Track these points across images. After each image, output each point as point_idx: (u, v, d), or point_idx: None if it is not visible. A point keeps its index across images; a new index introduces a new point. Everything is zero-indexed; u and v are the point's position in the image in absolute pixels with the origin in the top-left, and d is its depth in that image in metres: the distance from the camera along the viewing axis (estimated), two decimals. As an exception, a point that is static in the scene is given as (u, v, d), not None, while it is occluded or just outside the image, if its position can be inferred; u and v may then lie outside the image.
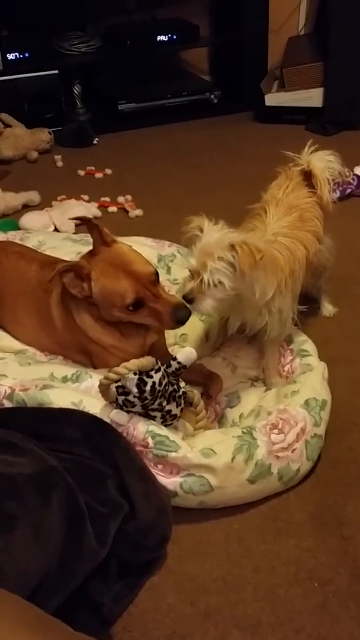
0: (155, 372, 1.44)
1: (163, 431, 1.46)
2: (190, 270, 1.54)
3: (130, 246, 1.61)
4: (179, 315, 1.50)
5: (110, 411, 1.47)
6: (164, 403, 1.48)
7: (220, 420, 1.70)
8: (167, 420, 1.51)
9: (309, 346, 1.79)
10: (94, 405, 1.49)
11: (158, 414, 1.49)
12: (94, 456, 1.39)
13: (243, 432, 1.48)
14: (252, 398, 1.74)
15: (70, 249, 2.27)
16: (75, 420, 1.45)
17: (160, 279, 1.58)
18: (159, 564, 1.37)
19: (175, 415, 1.53)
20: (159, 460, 1.44)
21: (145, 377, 1.42)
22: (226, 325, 1.77)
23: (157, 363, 1.46)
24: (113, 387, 1.45)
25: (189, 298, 1.52)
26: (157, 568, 1.36)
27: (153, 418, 1.49)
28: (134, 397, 1.43)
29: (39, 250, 2.14)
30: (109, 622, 1.26)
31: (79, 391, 1.56)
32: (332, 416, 1.65)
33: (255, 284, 1.54)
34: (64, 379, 1.62)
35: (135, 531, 1.31)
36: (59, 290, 1.70)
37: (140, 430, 1.45)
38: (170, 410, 1.51)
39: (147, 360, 1.43)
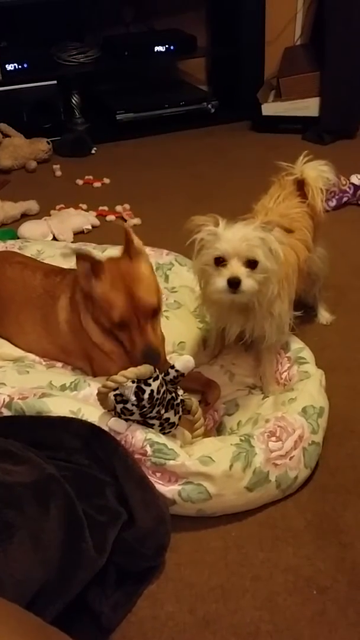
0: (154, 380, 1.45)
1: (161, 439, 1.46)
2: (218, 259, 1.51)
3: (152, 267, 1.63)
4: (147, 357, 1.49)
5: (108, 419, 1.48)
6: (162, 411, 1.49)
7: (218, 428, 1.71)
8: (165, 428, 1.52)
9: (307, 354, 1.79)
10: (93, 414, 1.50)
11: (156, 422, 1.49)
12: (93, 464, 1.39)
13: (241, 440, 1.49)
14: (250, 406, 1.74)
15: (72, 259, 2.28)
16: (73, 428, 1.45)
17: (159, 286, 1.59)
18: (158, 572, 1.37)
19: (174, 423, 1.53)
20: (157, 468, 1.44)
21: (143, 385, 1.43)
22: (223, 334, 1.77)
23: (155, 371, 1.46)
24: (111, 395, 1.45)
25: (237, 280, 1.49)
26: (156, 576, 1.36)
27: (151, 426, 1.49)
28: (132, 405, 1.43)
29: (38, 259, 2.16)
30: (107, 630, 1.26)
31: (77, 399, 1.57)
32: (330, 423, 1.65)
33: (278, 271, 1.56)
34: (63, 387, 1.63)
35: (134, 539, 1.31)
36: (68, 295, 1.74)
37: (139, 438, 1.45)
38: (168, 418, 1.51)
39: (145, 368, 1.44)
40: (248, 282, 1.50)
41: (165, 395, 1.48)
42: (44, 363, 1.84)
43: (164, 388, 1.48)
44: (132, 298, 1.52)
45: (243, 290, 1.50)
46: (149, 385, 1.43)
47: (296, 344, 1.83)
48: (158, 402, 1.46)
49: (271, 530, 1.46)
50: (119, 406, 1.45)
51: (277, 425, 1.53)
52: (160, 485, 1.43)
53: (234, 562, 1.40)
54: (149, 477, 1.43)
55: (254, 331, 1.68)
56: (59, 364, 1.83)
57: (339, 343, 2.05)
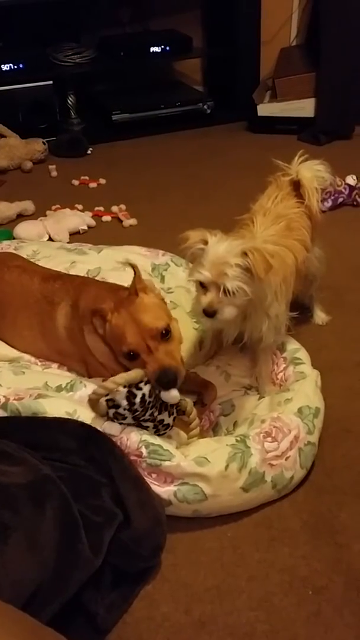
0: (145, 384, 1.44)
1: (156, 440, 1.46)
2: (201, 284, 1.52)
3: (161, 298, 1.62)
4: (163, 378, 1.45)
5: (102, 422, 1.48)
6: (156, 413, 1.49)
7: (214, 429, 1.71)
8: (160, 430, 1.52)
9: (302, 354, 1.80)
10: (89, 415, 1.49)
11: (150, 424, 1.49)
12: (88, 465, 1.39)
13: (237, 441, 1.49)
14: (246, 406, 1.74)
15: (65, 258, 2.28)
16: (69, 429, 1.45)
17: (155, 287, 1.59)
18: (154, 573, 1.37)
19: (168, 424, 1.53)
20: (152, 469, 1.44)
21: (134, 390, 1.43)
22: (219, 334, 1.77)
23: (146, 376, 1.46)
24: (103, 401, 1.45)
25: (212, 310, 1.51)
26: (152, 577, 1.36)
27: (146, 428, 1.49)
28: (124, 409, 1.43)
29: (33, 260, 2.15)
30: (103, 631, 1.25)
31: (73, 400, 1.57)
32: (326, 424, 1.65)
33: (267, 287, 1.55)
34: (59, 388, 1.63)
35: (130, 540, 1.31)
36: (69, 302, 1.75)
37: (134, 439, 1.45)
38: (162, 420, 1.51)
39: (135, 373, 1.44)
40: (225, 311, 1.51)
41: (158, 399, 1.48)
42: (39, 364, 1.84)
43: (157, 392, 1.47)
44: (138, 327, 1.50)
45: (219, 319, 1.52)
46: (140, 389, 1.43)
47: (292, 345, 1.83)
48: (151, 405, 1.46)
49: (267, 531, 1.46)
50: (111, 411, 1.45)
51: (273, 425, 1.53)
52: (156, 486, 1.43)
53: (229, 562, 1.40)
54: (145, 478, 1.43)
55: (252, 333, 1.68)
56: (55, 365, 1.83)
57: (334, 343, 2.05)
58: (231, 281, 1.48)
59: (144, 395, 1.43)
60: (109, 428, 1.47)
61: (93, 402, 1.46)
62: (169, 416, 1.52)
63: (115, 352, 1.58)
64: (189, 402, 1.58)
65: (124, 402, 1.42)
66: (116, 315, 1.55)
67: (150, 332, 1.50)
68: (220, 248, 1.51)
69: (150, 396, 1.44)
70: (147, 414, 1.46)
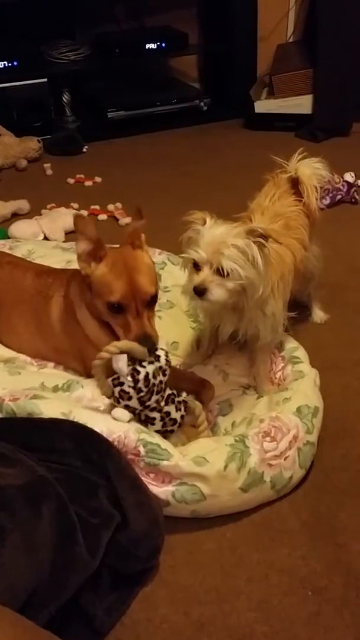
0: (149, 364, 1.45)
1: (155, 439, 1.45)
2: (198, 262, 1.51)
3: (154, 263, 1.63)
4: (143, 343, 1.47)
5: (111, 409, 1.48)
6: (162, 403, 1.49)
7: (212, 429, 1.70)
8: (168, 425, 1.51)
9: (301, 353, 1.79)
10: (84, 416, 1.48)
11: (157, 415, 1.49)
12: (85, 466, 1.38)
13: (235, 440, 1.48)
14: (244, 406, 1.73)
15: (60, 257, 2.27)
16: (65, 430, 1.44)
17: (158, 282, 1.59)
18: (152, 575, 1.36)
19: (175, 420, 1.52)
20: (150, 469, 1.43)
21: (138, 367, 1.43)
22: (217, 333, 1.76)
23: (150, 356, 1.46)
24: (109, 380, 1.45)
25: (202, 288, 1.50)
26: (150, 578, 1.35)
27: (152, 420, 1.49)
28: (129, 387, 1.43)
29: (29, 259, 2.14)
30: (101, 633, 1.24)
31: (69, 401, 1.55)
32: (324, 423, 1.64)
33: (262, 277, 1.54)
34: (55, 389, 1.62)
35: (127, 541, 1.30)
36: (62, 294, 1.74)
37: (132, 438, 1.44)
38: (169, 413, 1.50)
39: (137, 345, 1.44)
40: (216, 292, 1.50)
41: (162, 386, 1.48)
42: (35, 364, 1.83)
43: (161, 377, 1.47)
44: (132, 282, 1.51)
45: (209, 299, 1.51)
46: (144, 367, 1.44)
47: (290, 343, 1.82)
48: (155, 388, 1.46)
49: (266, 531, 1.45)
50: (117, 389, 1.44)
51: (272, 425, 1.52)
52: (153, 486, 1.42)
53: (228, 563, 1.39)
54: (143, 478, 1.42)
55: (248, 330, 1.67)
56: (51, 364, 1.82)
57: (333, 342, 2.04)
58: (227, 260, 1.47)
59: (147, 374, 1.43)
60: (118, 413, 1.46)
61: (96, 370, 1.45)
62: (176, 411, 1.52)
63: (100, 299, 1.56)
64: (197, 404, 1.57)
65: (128, 377, 1.42)
66: (111, 263, 1.54)
67: (143, 295, 1.51)
68: (219, 230, 1.51)
69: (154, 378, 1.44)
70: (153, 399, 1.46)
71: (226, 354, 1.89)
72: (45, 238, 2.67)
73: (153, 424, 1.50)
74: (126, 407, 1.47)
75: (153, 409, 1.48)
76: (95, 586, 1.27)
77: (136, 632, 1.26)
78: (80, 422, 1.46)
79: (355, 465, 1.61)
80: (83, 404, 1.54)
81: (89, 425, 1.45)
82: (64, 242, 2.58)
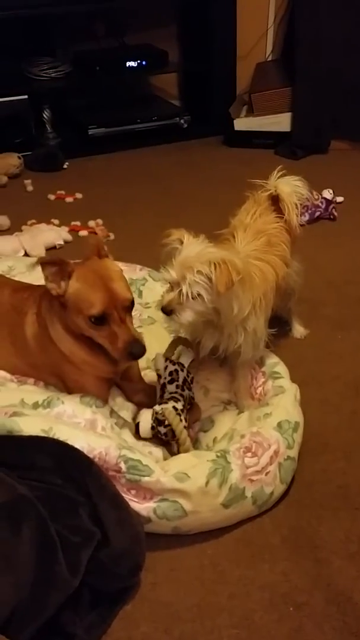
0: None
1: (136, 455, 1.44)
2: (169, 282, 1.53)
3: (122, 269, 1.62)
4: (133, 349, 1.49)
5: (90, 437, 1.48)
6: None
7: (194, 445, 1.69)
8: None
9: (281, 368, 1.79)
10: (65, 432, 1.47)
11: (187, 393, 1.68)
12: (65, 484, 1.37)
13: (217, 456, 1.48)
14: (226, 421, 1.73)
15: (40, 273, 2.25)
16: (45, 447, 1.43)
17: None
18: (133, 592, 1.35)
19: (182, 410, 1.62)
20: (132, 485, 1.42)
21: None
22: (198, 348, 1.77)
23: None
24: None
25: (168, 309, 1.52)
26: (131, 596, 1.34)
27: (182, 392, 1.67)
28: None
29: (9, 276, 2.13)
30: (82, 653, 1.23)
31: (49, 418, 1.54)
32: (305, 438, 1.65)
33: (234, 300, 1.55)
34: (35, 405, 1.60)
35: (108, 559, 1.29)
36: (34, 310, 1.72)
37: (113, 455, 1.43)
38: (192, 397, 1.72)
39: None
40: (182, 314, 1.53)
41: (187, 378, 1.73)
42: (15, 380, 1.81)
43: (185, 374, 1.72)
44: (109, 291, 1.50)
45: (176, 320, 1.53)
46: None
47: (271, 359, 1.82)
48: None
49: (247, 547, 1.45)
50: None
51: (253, 440, 1.53)
52: (135, 503, 1.42)
53: (210, 580, 1.38)
54: (124, 494, 1.42)
55: (228, 346, 1.68)
56: (31, 380, 1.81)
57: (312, 357, 2.06)
58: (188, 286, 1.49)
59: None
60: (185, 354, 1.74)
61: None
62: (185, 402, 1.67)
63: (79, 316, 1.53)
64: (184, 432, 1.58)
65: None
66: (82, 277, 1.53)
67: (122, 301, 1.51)
68: (192, 251, 1.52)
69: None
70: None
71: (207, 370, 1.89)
72: (26, 254, 2.66)
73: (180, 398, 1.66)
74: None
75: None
76: (75, 605, 1.26)
77: (117, 651, 1.25)
78: (61, 438, 1.45)
79: (335, 479, 1.62)
80: (63, 420, 1.53)
81: (70, 441, 1.44)
82: (44, 258, 2.58)
